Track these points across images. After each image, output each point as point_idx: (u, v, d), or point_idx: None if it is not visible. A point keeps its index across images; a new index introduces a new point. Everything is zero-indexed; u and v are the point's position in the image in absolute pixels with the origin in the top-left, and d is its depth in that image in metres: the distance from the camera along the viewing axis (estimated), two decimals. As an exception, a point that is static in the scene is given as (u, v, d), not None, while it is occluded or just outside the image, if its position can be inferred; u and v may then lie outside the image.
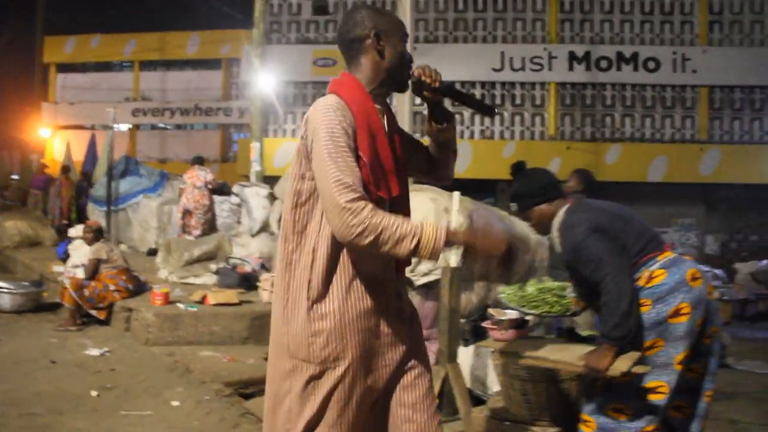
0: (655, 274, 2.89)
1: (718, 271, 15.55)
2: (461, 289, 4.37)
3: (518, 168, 3.39)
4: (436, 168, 2.40)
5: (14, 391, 4.71)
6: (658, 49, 18.70)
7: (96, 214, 12.37)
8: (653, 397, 2.89)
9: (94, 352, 5.98)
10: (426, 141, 2.41)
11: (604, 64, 18.52)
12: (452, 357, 4.16)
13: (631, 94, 18.77)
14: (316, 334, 2.06)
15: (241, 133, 21.42)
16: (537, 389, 3.70)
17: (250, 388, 5.02)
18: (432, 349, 4.40)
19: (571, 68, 18.46)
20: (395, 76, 2.20)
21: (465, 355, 4.67)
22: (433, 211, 5.24)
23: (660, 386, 2.86)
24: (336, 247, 2.06)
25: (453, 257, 4.20)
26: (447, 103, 2.34)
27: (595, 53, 18.49)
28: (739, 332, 11.40)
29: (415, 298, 5.24)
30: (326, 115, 2.02)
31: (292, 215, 2.12)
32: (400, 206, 2.19)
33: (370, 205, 1.93)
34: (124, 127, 22.37)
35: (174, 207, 10.70)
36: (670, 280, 2.87)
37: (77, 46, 22.98)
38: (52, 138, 22.92)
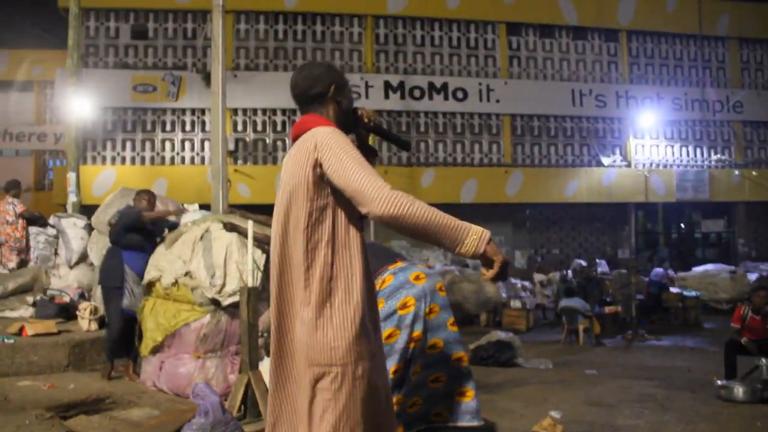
0: (385, 279, 3.78)
1: (526, 283, 17.23)
2: (259, 308, 4.92)
3: None
4: None
5: None
6: (465, 80, 20.30)
7: None
8: (393, 375, 3.77)
9: None
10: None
11: (417, 93, 19.78)
12: (253, 365, 4.72)
13: (442, 122, 20.17)
14: (338, 338, 2.30)
15: (57, 160, 20.47)
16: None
17: (71, 411, 5.16)
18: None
19: (386, 97, 19.55)
20: (349, 119, 2.61)
21: (269, 364, 5.22)
22: (236, 237, 5.80)
23: (398, 367, 3.70)
24: (350, 256, 2.37)
25: (250, 278, 4.79)
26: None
27: (409, 83, 19.72)
28: (537, 336, 12.83)
29: (224, 315, 5.73)
30: (334, 134, 2.37)
31: (305, 236, 2.35)
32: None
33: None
34: None
35: (-16, 240, 10.31)
36: (396, 282, 3.80)
37: None
38: None
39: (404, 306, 3.84)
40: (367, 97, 19.31)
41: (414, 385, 3.89)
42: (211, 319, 5.69)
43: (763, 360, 6.55)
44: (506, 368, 8.57)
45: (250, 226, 4.92)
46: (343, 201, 2.39)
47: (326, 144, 2.35)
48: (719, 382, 6.76)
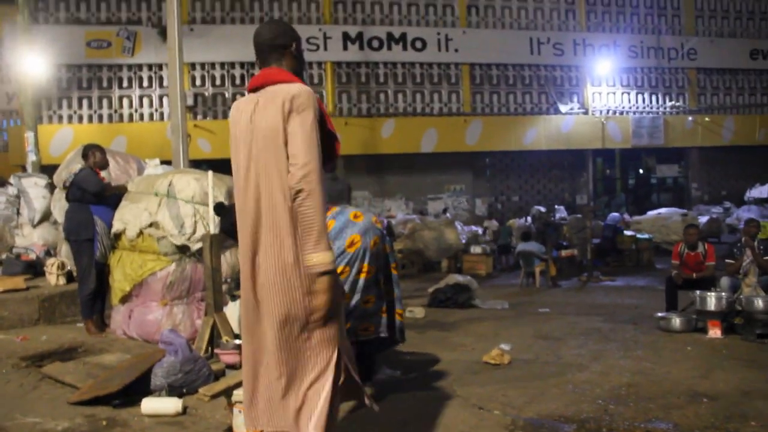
0: (328, 224, 4.11)
1: (485, 229, 17.64)
2: (222, 254, 5.18)
3: (220, 207, 4.64)
4: None
5: None
6: (424, 30, 20.31)
7: None
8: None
9: None
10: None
11: (375, 43, 19.76)
12: (218, 307, 5.00)
13: (401, 72, 20.24)
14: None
15: (11, 120, 20.06)
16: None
17: (46, 360, 5.40)
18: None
19: (345, 48, 19.51)
20: (302, 73, 2.88)
21: (233, 308, 5.52)
22: (198, 188, 6.01)
23: (347, 296, 4.13)
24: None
25: (212, 225, 5.03)
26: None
27: (368, 34, 19.69)
28: (496, 280, 13.29)
29: (189, 263, 5.97)
30: (311, 98, 2.62)
31: (284, 180, 2.58)
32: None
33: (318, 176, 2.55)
34: None
35: (-59, 203, 10.28)
36: (338, 224, 4.23)
37: None
38: None
39: (352, 244, 4.22)
40: (325, 48, 19.28)
41: (363, 311, 4.32)
42: (176, 267, 5.93)
43: (697, 292, 7.00)
44: (464, 309, 8.94)
45: (210, 176, 5.15)
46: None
47: (303, 105, 2.61)
48: (659, 315, 7.23)
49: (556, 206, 20.07)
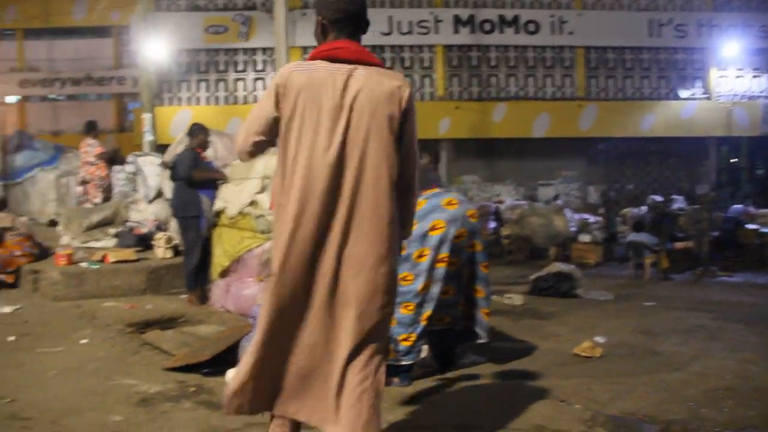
0: (419, 203, 4.09)
1: (599, 218, 17.08)
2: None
3: None
4: None
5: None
6: (537, 12, 19.76)
7: (-7, 189, 12.60)
8: (422, 291, 4.19)
9: (6, 309, 6.56)
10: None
11: (487, 26, 19.42)
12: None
13: (514, 55, 19.83)
14: (396, 269, 2.66)
15: (137, 102, 21.15)
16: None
17: (149, 328, 5.81)
18: None
19: (456, 31, 19.31)
20: None
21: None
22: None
23: (426, 285, 4.01)
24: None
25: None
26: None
27: (479, 16, 19.38)
28: (605, 270, 12.85)
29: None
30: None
31: (391, 173, 2.57)
32: None
33: None
34: (12, 99, 21.61)
35: (71, 178, 11.07)
36: (428, 206, 4.16)
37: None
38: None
39: (434, 228, 4.19)
40: (436, 32, 19.16)
41: (441, 301, 4.26)
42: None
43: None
44: (565, 298, 8.68)
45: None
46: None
47: (413, 106, 2.61)
48: (776, 314, 6.75)
49: (674, 196, 19.08)
